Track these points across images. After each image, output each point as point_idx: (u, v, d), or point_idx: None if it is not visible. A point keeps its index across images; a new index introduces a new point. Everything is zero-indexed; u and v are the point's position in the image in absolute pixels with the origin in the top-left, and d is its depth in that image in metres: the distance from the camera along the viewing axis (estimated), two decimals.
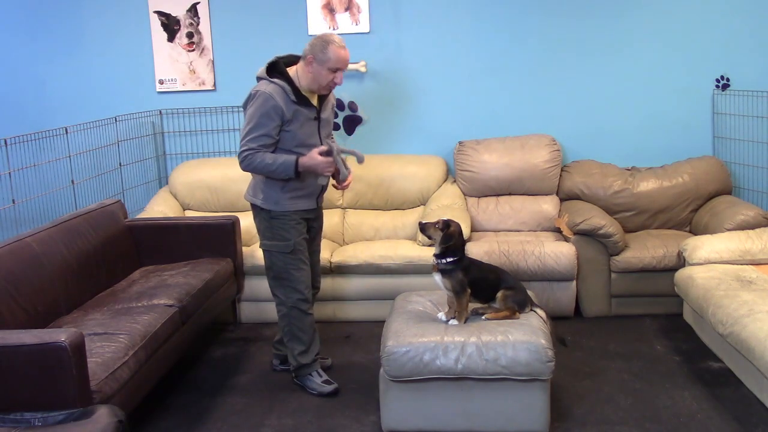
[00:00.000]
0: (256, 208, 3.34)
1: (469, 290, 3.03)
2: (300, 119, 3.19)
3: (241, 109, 3.26)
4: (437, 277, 3.09)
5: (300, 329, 3.35)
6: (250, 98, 3.17)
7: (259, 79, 3.23)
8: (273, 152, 3.18)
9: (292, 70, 3.21)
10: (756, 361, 2.88)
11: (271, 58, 3.23)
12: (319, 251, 3.60)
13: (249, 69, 4.92)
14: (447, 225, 3.08)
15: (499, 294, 3.06)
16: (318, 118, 3.27)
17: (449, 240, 3.05)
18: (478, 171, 4.67)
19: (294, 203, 3.26)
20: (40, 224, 3.61)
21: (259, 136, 3.13)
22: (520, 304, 3.06)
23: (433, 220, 3.20)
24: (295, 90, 3.16)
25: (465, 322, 3.00)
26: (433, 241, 3.15)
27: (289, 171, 3.15)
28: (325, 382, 3.38)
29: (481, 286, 3.08)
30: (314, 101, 3.26)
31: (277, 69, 3.19)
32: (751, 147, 4.65)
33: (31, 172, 4.03)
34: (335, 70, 3.15)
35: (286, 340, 3.41)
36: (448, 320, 3.04)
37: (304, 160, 3.16)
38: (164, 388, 3.43)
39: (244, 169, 3.21)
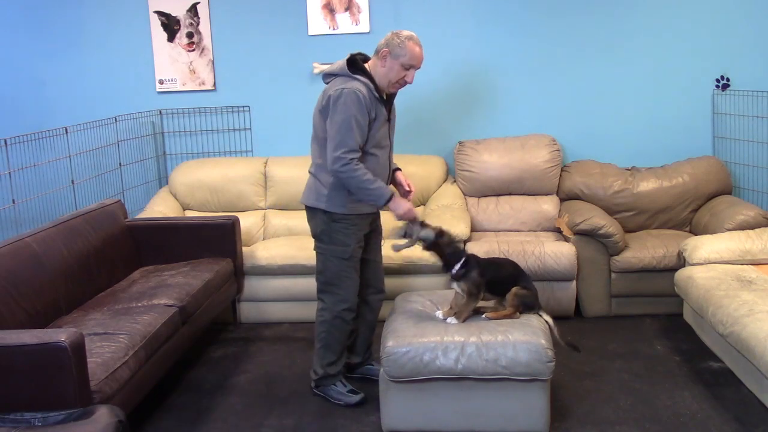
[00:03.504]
0: (316, 212, 3.16)
1: (482, 294, 3.03)
2: (380, 119, 3.06)
3: (320, 112, 3.05)
4: (454, 285, 3.05)
5: (337, 340, 3.24)
6: (338, 98, 2.95)
7: (329, 75, 3.08)
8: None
9: (367, 67, 3.07)
10: (756, 361, 2.87)
11: (346, 56, 3.06)
12: (380, 250, 3.44)
13: (249, 69, 5.01)
14: (440, 237, 3.02)
15: (514, 289, 3.05)
16: (389, 119, 3.15)
17: (442, 248, 3.03)
18: (478, 171, 4.67)
19: (359, 207, 3.12)
20: (40, 224, 3.61)
21: (359, 137, 2.97)
22: (527, 306, 3.05)
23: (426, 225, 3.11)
24: (377, 87, 3.04)
25: (464, 321, 3.00)
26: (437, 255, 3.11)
27: (381, 200, 3.02)
28: (351, 391, 3.26)
29: (498, 283, 3.07)
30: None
31: (357, 66, 3.04)
32: (751, 147, 4.65)
33: (31, 172, 4.02)
34: (408, 68, 3.03)
35: (317, 346, 3.26)
36: (445, 318, 3.03)
37: (397, 199, 3.05)
38: (164, 388, 3.43)
39: (342, 176, 2.98)
